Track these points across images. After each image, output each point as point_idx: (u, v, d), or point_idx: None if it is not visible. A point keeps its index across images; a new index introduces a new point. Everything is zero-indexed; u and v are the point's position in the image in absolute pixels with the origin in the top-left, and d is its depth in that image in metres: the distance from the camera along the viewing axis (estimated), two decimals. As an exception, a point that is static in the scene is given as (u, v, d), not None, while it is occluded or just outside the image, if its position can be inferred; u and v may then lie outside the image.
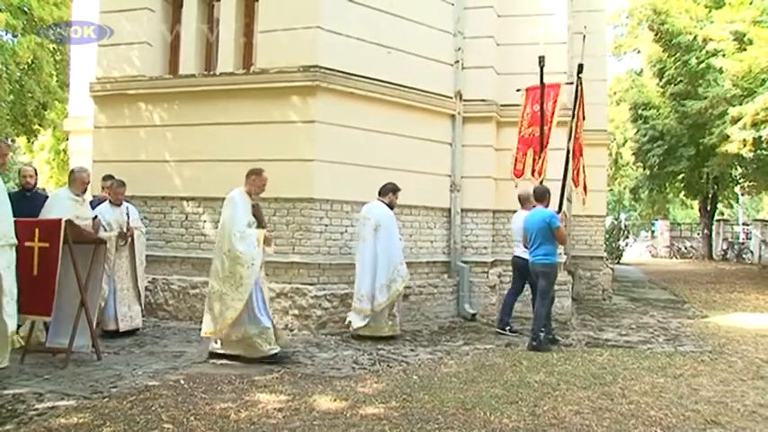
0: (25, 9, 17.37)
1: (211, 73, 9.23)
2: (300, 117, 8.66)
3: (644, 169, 30.46)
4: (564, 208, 8.94)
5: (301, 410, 4.99)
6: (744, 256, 30.76)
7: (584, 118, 9.97)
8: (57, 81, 19.65)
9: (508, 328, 8.83)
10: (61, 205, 6.93)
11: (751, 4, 17.04)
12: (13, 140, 24.54)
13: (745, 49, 16.20)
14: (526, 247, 8.44)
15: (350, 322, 8.22)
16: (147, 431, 4.46)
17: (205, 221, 9.04)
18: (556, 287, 9.97)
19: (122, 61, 9.54)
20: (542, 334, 7.87)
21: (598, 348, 7.94)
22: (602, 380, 6.22)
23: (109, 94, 9.57)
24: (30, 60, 18.07)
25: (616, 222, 33.76)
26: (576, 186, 9.92)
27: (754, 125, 15.38)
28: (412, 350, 7.62)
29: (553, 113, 9.37)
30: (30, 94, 18.97)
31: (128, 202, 8.11)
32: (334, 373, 6.31)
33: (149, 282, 8.82)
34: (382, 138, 9.24)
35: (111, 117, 9.60)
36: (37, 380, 5.72)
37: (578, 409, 5.18)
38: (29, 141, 24.18)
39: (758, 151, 18.55)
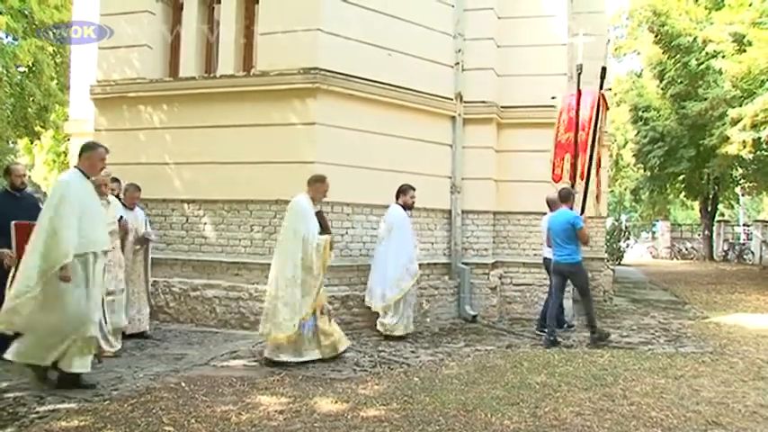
0: (26, 12, 17.37)
1: (212, 75, 9.24)
2: (301, 119, 8.67)
3: (644, 170, 30.46)
4: (586, 210, 9.14)
5: (302, 412, 5.00)
6: (744, 256, 30.73)
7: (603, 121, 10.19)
8: (57, 84, 19.65)
9: (566, 325, 9.24)
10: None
11: (750, 5, 17.04)
12: (14, 142, 24.60)
13: (744, 51, 16.20)
14: (549, 247, 8.83)
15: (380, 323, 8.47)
16: (148, 433, 4.47)
17: (206, 224, 9.05)
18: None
19: (123, 64, 9.55)
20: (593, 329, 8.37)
21: (599, 349, 7.93)
22: (604, 381, 6.21)
23: (109, 97, 9.58)
24: (30, 63, 18.08)
25: (617, 224, 33.74)
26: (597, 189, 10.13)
27: (754, 126, 15.38)
28: (413, 352, 7.62)
29: (590, 119, 9.59)
30: (30, 97, 18.98)
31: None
32: (335, 375, 6.31)
33: (150, 285, 8.82)
34: (383, 139, 9.25)
35: (111, 120, 9.61)
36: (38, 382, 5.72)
37: (579, 411, 5.18)
38: (31, 143, 24.20)
39: (758, 152, 18.58)
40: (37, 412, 4.85)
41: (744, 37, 16.41)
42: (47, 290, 5.40)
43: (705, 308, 12.49)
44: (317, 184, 7.15)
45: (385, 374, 6.40)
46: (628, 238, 31.42)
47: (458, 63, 10.25)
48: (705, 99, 18.94)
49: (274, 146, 8.65)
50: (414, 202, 8.80)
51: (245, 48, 9.35)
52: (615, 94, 31.96)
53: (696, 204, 36.16)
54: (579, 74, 9.85)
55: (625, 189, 39.15)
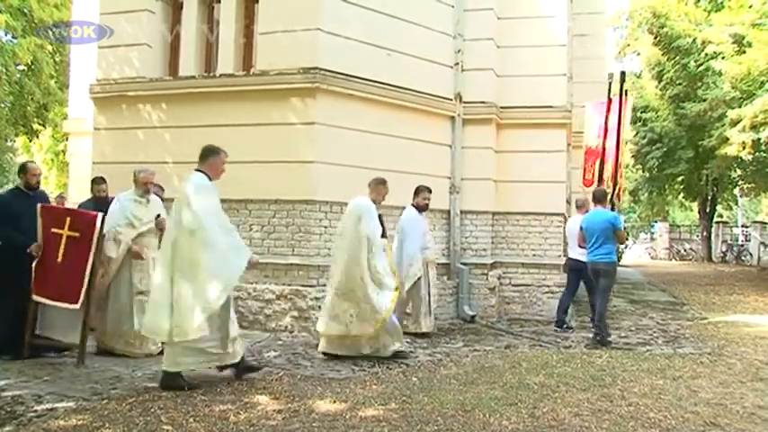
0: (25, 11, 17.38)
1: (211, 74, 9.24)
2: (300, 119, 8.67)
3: (643, 171, 30.49)
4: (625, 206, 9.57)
5: (300, 412, 4.99)
6: (743, 258, 30.76)
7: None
8: (56, 82, 19.65)
9: (565, 326, 9.34)
10: (122, 206, 6.92)
11: (750, 7, 17.08)
12: (13, 141, 24.58)
13: (744, 52, 16.23)
14: (582, 248, 8.85)
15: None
16: (146, 433, 4.47)
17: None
18: (555, 288, 10.08)
19: (122, 63, 9.55)
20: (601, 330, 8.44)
21: (597, 350, 7.94)
22: (602, 382, 6.21)
23: (108, 96, 9.58)
24: (29, 62, 18.08)
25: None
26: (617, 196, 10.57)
27: (753, 127, 15.42)
28: (411, 352, 7.61)
29: (618, 125, 10.29)
30: (30, 96, 18.98)
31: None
32: (334, 375, 6.31)
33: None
34: (382, 139, 9.25)
35: (110, 119, 9.60)
36: (36, 381, 5.72)
37: (577, 411, 5.18)
38: (30, 141, 24.19)
39: (757, 153, 18.61)
40: (35, 411, 4.84)
41: (743, 38, 16.45)
42: None
43: (703, 309, 12.50)
44: (380, 187, 7.37)
45: (383, 374, 6.40)
46: (626, 239, 31.44)
47: (457, 63, 10.25)
48: (704, 100, 18.99)
49: (274, 145, 8.65)
50: (427, 204, 8.81)
51: (245, 47, 9.35)
52: (614, 95, 31.96)
53: (695, 205, 36.18)
54: (610, 82, 10.67)
55: (624, 190, 39.14)
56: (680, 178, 29.11)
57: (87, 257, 6.29)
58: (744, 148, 16.23)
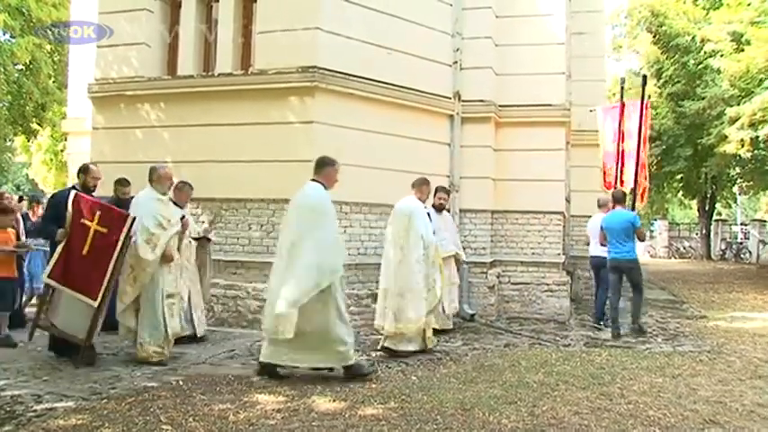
0: (23, 10, 17.35)
1: (210, 74, 9.24)
2: (299, 118, 8.67)
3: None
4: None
5: (300, 411, 4.99)
6: (742, 255, 30.79)
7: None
8: (55, 82, 19.63)
9: (602, 322, 9.67)
10: (147, 207, 6.69)
11: (749, 5, 17.08)
12: (11, 140, 24.55)
13: (742, 50, 16.24)
14: (603, 245, 9.37)
15: None
16: (145, 432, 4.47)
17: (203, 222, 9.02)
18: (555, 287, 10.10)
19: (121, 62, 9.54)
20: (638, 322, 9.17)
21: (597, 348, 7.95)
22: (601, 380, 6.22)
23: (107, 95, 9.57)
24: (28, 61, 18.06)
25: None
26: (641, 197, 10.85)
27: (752, 125, 15.43)
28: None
29: (639, 129, 10.54)
30: (28, 96, 18.95)
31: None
32: (333, 374, 6.30)
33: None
34: (381, 138, 9.24)
35: (109, 118, 9.60)
36: (35, 381, 5.73)
37: (577, 410, 5.18)
38: (28, 141, 24.17)
39: (756, 151, 18.63)
40: (34, 411, 4.84)
41: (742, 36, 16.45)
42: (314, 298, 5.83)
43: (703, 307, 12.52)
44: (423, 187, 7.64)
45: (383, 373, 6.39)
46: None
47: (456, 62, 10.25)
48: (703, 98, 19.01)
49: (272, 144, 8.65)
50: (442, 204, 8.88)
51: (244, 46, 9.35)
52: (614, 94, 31.98)
53: (694, 203, 36.17)
54: (622, 87, 11.44)
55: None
56: (679, 176, 29.11)
57: (112, 256, 6.21)
58: (742, 145, 16.24)
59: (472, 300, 10.05)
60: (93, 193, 6.89)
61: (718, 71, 17.51)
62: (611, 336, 8.83)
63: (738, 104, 16.22)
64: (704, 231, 32.85)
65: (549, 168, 10.38)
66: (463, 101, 10.24)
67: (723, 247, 32.77)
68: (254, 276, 8.64)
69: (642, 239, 9.82)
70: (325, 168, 6.22)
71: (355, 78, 8.93)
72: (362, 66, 9.02)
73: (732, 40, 17.09)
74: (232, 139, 8.85)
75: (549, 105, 10.37)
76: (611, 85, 31.14)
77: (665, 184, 30.93)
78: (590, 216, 13.05)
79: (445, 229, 8.88)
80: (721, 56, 17.21)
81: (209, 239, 7.99)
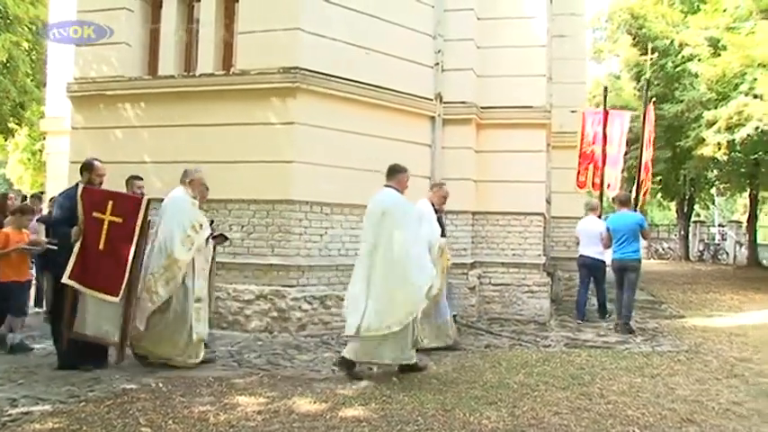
0: (0, 8, 17.13)
1: (191, 74, 9.18)
2: (280, 119, 8.64)
3: (621, 171, 30.68)
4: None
5: (281, 413, 4.98)
6: (719, 256, 31.14)
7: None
8: (33, 81, 19.38)
9: (585, 318, 10.45)
10: (184, 209, 6.62)
11: (725, 11, 17.30)
12: None
13: (719, 55, 16.43)
14: (607, 248, 10.06)
15: None
16: (124, 435, 4.43)
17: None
18: (535, 288, 10.16)
19: (100, 61, 9.46)
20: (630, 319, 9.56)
21: (576, 349, 8.01)
22: (581, 380, 6.27)
23: (87, 95, 9.48)
24: (5, 60, 17.81)
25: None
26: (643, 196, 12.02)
27: (729, 128, 15.63)
28: (392, 352, 7.62)
29: (621, 137, 11.83)
30: (5, 94, 18.69)
31: None
32: (314, 375, 6.30)
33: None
34: (362, 139, 9.23)
35: (88, 118, 9.51)
36: (11, 384, 5.65)
37: (557, 410, 5.22)
38: (5, 140, 23.88)
39: (732, 154, 18.85)
40: (9, 415, 4.78)
41: (719, 41, 16.65)
42: None
43: (681, 307, 12.65)
44: (436, 189, 7.86)
45: (364, 374, 6.39)
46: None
47: (438, 63, 10.27)
48: (681, 101, 19.19)
49: (253, 145, 8.61)
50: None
51: (225, 47, 9.30)
52: (594, 96, 32.22)
53: (673, 205, 36.52)
54: (605, 96, 12.47)
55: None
56: (658, 178, 29.37)
57: (130, 245, 6.07)
58: (719, 148, 16.44)
59: (453, 301, 10.04)
60: None
61: (696, 75, 17.70)
62: (618, 328, 9.40)
63: (716, 108, 16.41)
64: (683, 233, 33.19)
65: (530, 170, 10.42)
66: (445, 102, 10.26)
67: (701, 249, 33.12)
68: (234, 278, 8.60)
69: (647, 239, 10.29)
70: (398, 175, 6.66)
71: (337, 79, 8.92)
72: (344, 67, 9.01)
73: (709, 45, 17.31)
74: (213, 140, 8.80)
75: (530, 107, 10.42)
76: (591, 87, 31.44)
77: (626, 183, 31.19)
78: (570, 217, 13.23)
79: None
80: (699, 60, 17.41)
81: (226, 237, 7.79)
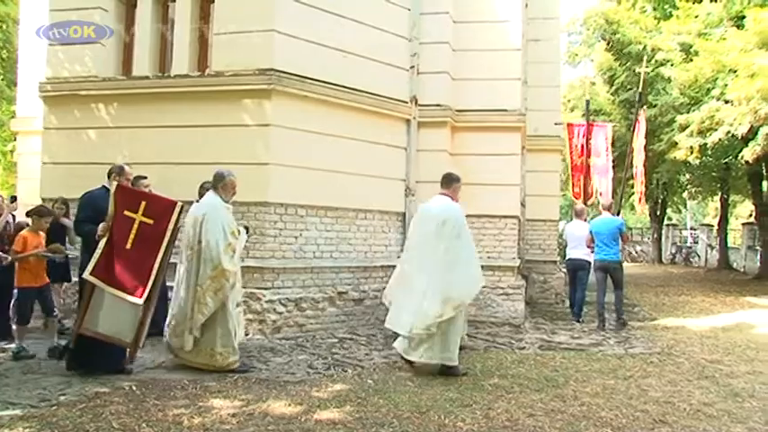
0: (-30, 5, 16.90)
1: (165, 75, 9.11)
2: (255, 120, 8.60)
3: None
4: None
5: (255, 415, 4.96)
6: (691, 259, 31.57)
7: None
8: (3, 80, 19.12)
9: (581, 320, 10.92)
10: (221, 215, 6.54)
11: (696, 17, 17.56)
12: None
13: (691, 60, 16.67)
14: (590, 248, 10.64)
15: None
16: (96, 439, 4.38)
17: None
18: (510, 290, 10.23)
19: (74, 61, 9.34)
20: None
21: (551, 351, 8.07)
22: (555, 382, 6.32)
23: (59, 95, 9.35)
24: (-26, 58, 17.59)
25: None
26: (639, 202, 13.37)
27: (701, 133, 15.84)
28: (366, 354, 7.63)
29: (607, 148, 13.17)
30: (-26, 93, 18.46)
31: None
32: (289, 378, 6.28)
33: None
34: (337, 142, 9.23)
35: (61, 118, 9.39)
36: (-19, 388, 5.56)
37: (531, 412, 5.25)
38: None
39: (704, 158, 19.12)
40: (-21, 419, 4.71)
41: (691, 47, 16.89)
42: None
43: (654, 310, 12.79)
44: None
45: (339, 377, 6.40)
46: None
47: (413, 66, 10.28)
48: (654, 106, 19.40)
49: (228, 147, 8.55)
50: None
51: (200, 47, 9.24)
52: (569, 100, 32.50)
53: (646, 208, 36.92)
54: (587, 108, 13.94)
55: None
56: (631, 182, 29.68)
57: (158, 248, 5.99)
58: (692, 152, 16.66)
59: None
60: None
61: (669, 80, 17.92)
62: (597, 327, 10.01)
63: (688, 112, 16.62)
64: (656, 236, 33.59)
65: (505, 173, 10.48)
66: (420, 105, 10.28)
67: (673, 251, 33.57)
68: (209, 280, 8.53)
69: (626, 241, 10.94)
70: (453, 184, 7.03)
71: (312, 81, 8.90)
72: (320, 69, 8.99)
73: (681, 50, 17.55)
74: (188, 142, 8.74)
75: (505, 110, 10.48)
76: (566, 91, 31.71)
77: (617, 189, 31.49)
78: (544, 220, 13.43)
79: None
80: (671, 65, 17.64)
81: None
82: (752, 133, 14.70)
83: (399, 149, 10.24)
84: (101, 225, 6.06)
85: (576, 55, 32.29)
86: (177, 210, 6.14)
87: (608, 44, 23.83)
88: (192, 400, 5.34)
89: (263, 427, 4.68)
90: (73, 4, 9.30)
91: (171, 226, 6.07)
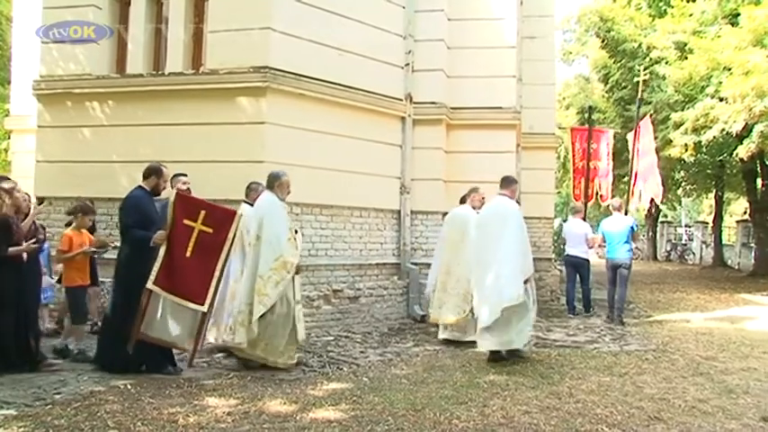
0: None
1: (160, 73, 9.08)
2: (250, 118, 8.58)
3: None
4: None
5: (251, 414, 4.96)
6: (686, 257, 31.67)
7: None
8: (-3, 78, 19.04)
9: (575, 311, 11.43)
10: (281, 213, 6.66)
11: (691, 15, 17.58)
12: None
13: (686, 58, 16.68)
14: (602, 246, 11.10)
15: None
16: (91, 437, 4.37)
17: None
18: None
19: (68, 59, 9.31)
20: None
21: (546, 348, 8.08)
22: (550, 379, 6.33)
23: (54, 93, 9.32)
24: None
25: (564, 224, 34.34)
26: (639, 201, 13.77)
27: (695, 130, 15.86)
28: (362, 352, 7.63)
29: (608, 153, 14.34)
30: (-33, 91, 18.36)
31: None
32: (284, 376, 6.27)
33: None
34: (333, 139, 9.22)
35: (55, 116, 9.36)
36: (-25, 387, 5.54)
37: (527, 409, 5.26)
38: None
39: (698, 155, 19.16)
40: (-27, 418, 4.69)
41: (685, 45, 16.91)
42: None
43: (649, 307, 12.83)
44: (475, 194, 8.50)
45: (334, 375, 6.40)
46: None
47: (408, 64, 10.29)
48: (649, 103, 19.41)
49: (223, 145, 8.54)
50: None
51: (195, 45, 9.21)
52: (564, 98, 32.56)
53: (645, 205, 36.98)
54: (590, 115, 15.00)
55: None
56: (626, 179, 29.73)
57: (218, 256, 6.02)
58: (686, 150, 16.69)
59: (423, 301, 10.08)
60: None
61: (664, 77, 17.94)
62: (607, 319, 10.48)
63: (683, 110, 16.64)
64: (651, 233, 33.65)
65: (500, 170, 10.39)
66: (415, 103, 10.29)
67: (668, 249, 33.65)
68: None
69: (636, 240, 11.47)
70: (512, 185, 7.51)
71: (307, 79, 8.89)
72: (315, 66, 8.98)
73: (676, 49, 17.56)
74: (182, 140, 8.71)
75: (500, 108, 10.49)
76: (561, 89, 31.74)
77: (616, 190, 31.58)
78: (540, 218, 13.48)
79: None
80: (666, 63, 17.65)
81: None
82: (746, 131, 14.71)
83: (394, 147, 10.24)
84: (159, 233, 6.01)
85: (571, 53, 32.36)
86: (237, 219, 6.18)
87: (603, 42, 23.84)
88: (188, 399, 5.33)
89: (259, 426, 4.67)
90: (67, 1, 9.27)
91: (230, 235, 6.10)
